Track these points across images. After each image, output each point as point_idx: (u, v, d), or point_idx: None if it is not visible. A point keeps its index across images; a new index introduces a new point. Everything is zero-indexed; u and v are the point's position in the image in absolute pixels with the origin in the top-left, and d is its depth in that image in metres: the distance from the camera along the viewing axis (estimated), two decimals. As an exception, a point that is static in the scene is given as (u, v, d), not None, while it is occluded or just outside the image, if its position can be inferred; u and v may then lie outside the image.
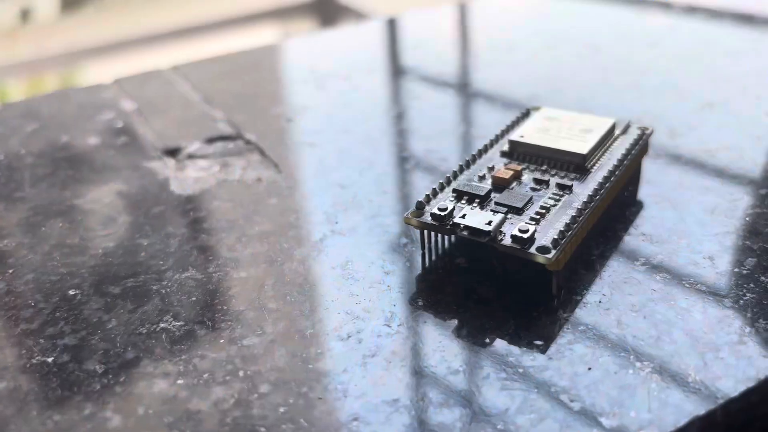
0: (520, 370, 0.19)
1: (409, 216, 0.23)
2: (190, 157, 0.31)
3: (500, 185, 0.24)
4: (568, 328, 0.21)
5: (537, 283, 0.22)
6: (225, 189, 0.29)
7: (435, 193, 0.24)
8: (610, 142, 0.26)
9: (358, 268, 0.24)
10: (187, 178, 0.30)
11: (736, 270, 0.22)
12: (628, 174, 0.26)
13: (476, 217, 0.22)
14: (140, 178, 0.30)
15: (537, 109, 0.28)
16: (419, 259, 0.24)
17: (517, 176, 0.24)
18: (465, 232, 0.22)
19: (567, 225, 0.22)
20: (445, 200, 0.23)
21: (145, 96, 0.38)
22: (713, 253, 0.23)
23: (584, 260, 0.23)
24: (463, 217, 0.22)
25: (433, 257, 0.24)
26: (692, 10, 0.45)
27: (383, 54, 0.44)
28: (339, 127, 0.34)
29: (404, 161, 0.30)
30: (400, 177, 0.29)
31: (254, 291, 0.23)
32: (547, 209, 0.23)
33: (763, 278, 0.22)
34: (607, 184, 0.24)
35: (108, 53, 1.50)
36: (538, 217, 0.22)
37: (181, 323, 0.22)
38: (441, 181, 0.24)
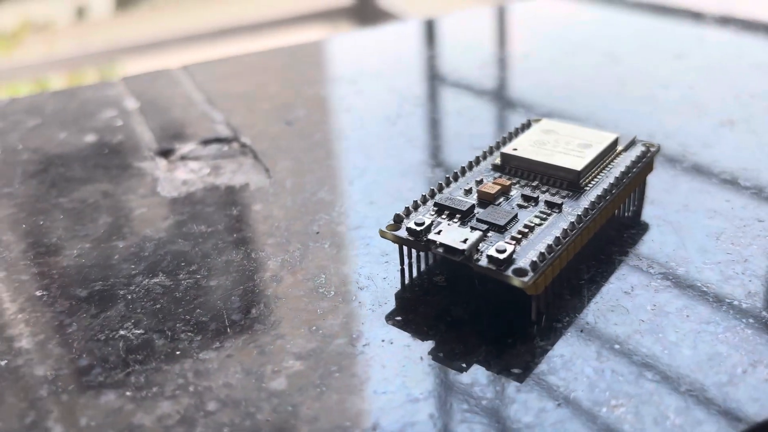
0: (484, 402, 0.18)
1: (385, 230, 0.22)
2: (183, 158, 0.31)
3: (486, 200, 0.23)
4: (542, 358, 0.19)
5: (517, 308, 0.21)
6: (211, 193, 0.28)
7: (416, 206, 0.23)
8: (610, 159, 0.24)
9: (332, 282, 0.22)
10: (176, 180, 0.29)
11: (735, 303, 0.21)
12: (628, 193, 0.24)
13: (452, 234, 0.20)
14: (128, 179, 0.29)
15: (538, 120, 0.27)
16: (398, 275, 0.23)
17: (505, 191, 0.23)
18: (440, 250, 0.20)
19: (549, 247, 0.20)
20: (425, 214, 0.22)
21: (148, 95, 0.37)
22: (712, 283, 0.21)
23: (571, 284, 0.22)
24: (439, 233, 0.21)
25: (414, 274, 0.23)
26: (725, 21, 0.43)
27: (395, 58, 0.43)
28: (337, 133, 0.33)
29: (401, 169, 0.29)
30: (394, 187, 0.28)
31: (220, 301, 0.22)
32: (531, 228, 0.21)
33: (765, 313, 0.20)
34: (600, 204, 0.22)
35: (158, 50, 1.52)
36: (519, 236, 0.21)
37: (140, 331, 0.21)
38: (424, 194, 0.23)
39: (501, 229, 0.21)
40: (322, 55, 0.44)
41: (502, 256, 0.20)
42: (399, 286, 0.22)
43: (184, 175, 0.29)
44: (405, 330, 0.20)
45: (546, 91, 0.36)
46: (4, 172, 0.30)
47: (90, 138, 0.33)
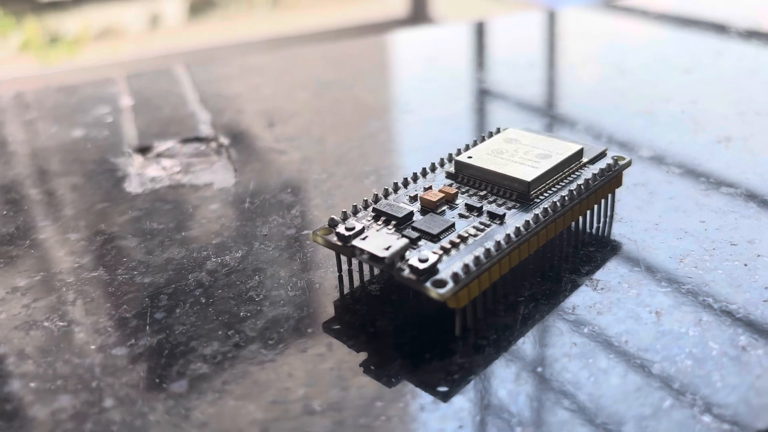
0: (383, 418, 0.17)
1: (317, 233, 0.21)
2: (158, 156, 0.31)
3: (428, 208, 0.22)
4: (456, 377, 0.18)
5: (446, 322, 0.19)
6: (173, 191, 0.28)
7: (356, 211, 0.22)
8: (570, 171, 0.23)
9: (265, 285, 0.22)
10: (145, 176, 0.29)
11: (682, 330, 0.19)
12: (588, 208, 0.23)
13: (376, 241, 0.20)
14: (100, 174, 0.29)
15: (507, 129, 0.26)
16: (337, 282, 0.22)
17: (449, 200, 0.22)
18: (364, 257, 0.20)
19: (477, 259, 0.19)
20: (362, 219, 0.21)
21: (144, 93, 0.38)
22: (663, 309, 0.20)
23: (509, 301, 0.20)
24: (364, 239, 0.20)
25: (356, 282, 0.22)
26: (749, 35, 0.40)
27: (398, 61, 0.42)
28: (316, 136, 0.32)
29: (365, 174, 0.28)
30: (357, 192, 0.27)
31: (149, 299, 0.21)
32: (465, 239, 0.20)
33: (712, 344, 0.18)
34: (548, 218, 0.21)
35: (225, 55, 1.56)
36: (449, 246, 0.20)
37: (64, 324, 0.21)
38: (366, 198, 0.22)
39: (434, 239, 0.20)
40: (326, 57, 0.44)
41: (422, 266, 0.19)
42: (331, 294, 0.21)
43: (154, 173, 0.29)
44: (323, 339, 0.19)
45: (541, 102, 0.35)
46: (-13, 162, 0.31)
47: (78, 133, 0.33)
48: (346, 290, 0.21)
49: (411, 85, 0.40)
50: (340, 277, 0.22)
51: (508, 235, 0.20)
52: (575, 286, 0.21)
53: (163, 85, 0.39)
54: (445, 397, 0.17)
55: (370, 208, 0.22)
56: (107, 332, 0.20)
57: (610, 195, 0.24)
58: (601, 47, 0.42)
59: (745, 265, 0.21)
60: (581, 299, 0.20)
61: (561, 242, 0.23)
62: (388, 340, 0.19)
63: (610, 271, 0.21)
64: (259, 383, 0.18)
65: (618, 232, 0.23)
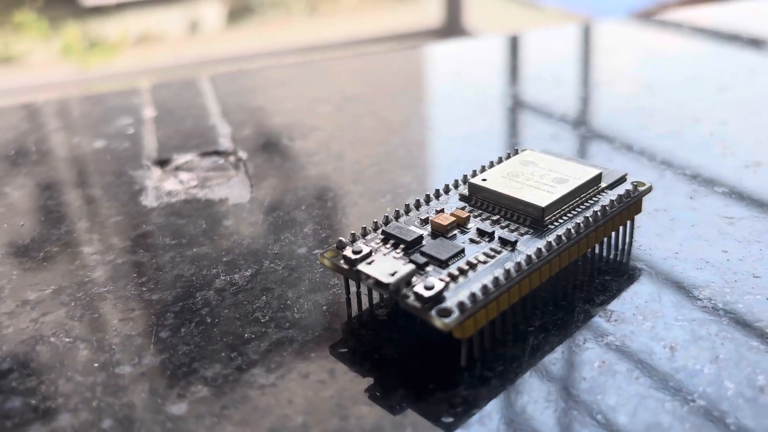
0: (380, 452, 0.16)
1: (324, 255, 0.21)
2: (176, 169, 0.31)
3: (438, 232, 0.21)
4: (459, 409, 0.17)
5: (453, 352, 0.19)
6: (188, 205, 0.28)
7: (365, 233, 0.21)
8: (588, 196, 0.22)
9: (272, 306, 0.21)
10: (161, 190, 0.29)
11: (697, 368, 0.18)
12: (605, 235, 0.22)
13: (383, 266, 0.19)
14: (117, 186, 0.29)
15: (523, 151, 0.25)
16: (344, 305, 0.22)
17: (461, 224, 0.21)
18: (370, 281, 0.19)
19: (485, 287, 0.18)
20: (371, 242, 0.21)
21: (168, 104, 0.38)
22: (678, 344, 0.19)
23: (518, 331, 0.20)
24: (370, 263, 0.19)
25: (364, 305, 0.21)
26: (785, 55, 0.39)
27: (416, 75, 0.41)
28: (335, 152, 0.32)
29: (381, 193, 0.28)
30: (373, 210, 0.27)
31: (155, 316, 0.21)
32: (474, 266, 0.20)
33: (728, 383, 0.18)
34: (561, 245, 0.20)
35: (260, 62, 1.57)
36: (458, 273, 0.19)
37: (69, 339, 0.21)
38: (376, 220, 0.22)
39: (442, 264, 0.20)
40: (353, 72, 0.44)
41: (428, 294, 0.18)
42: (338, 317, 0.21)
43: (171, 186, 0.29)
44: (326, 365, 0.19)
45: (564, 121, 0.34)
46: (9, 172, 0.31)
47: (99, 144, 0.34)
48: (353, 313, 0.21)
49: (436, 101, 0.39)
50: (348, 300, 0.22)
51: (518, 263, 0.19)
52: (588, 316, 0.20)
53: (187, 97, 0.39)
54: (448, 430, 0.17)
55: (380, 231, 0.21)
56: (112, 350, 0.20)
57: (629, 222, 0.23)
58: (632, 63, 0.41)
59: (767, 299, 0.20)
60: (593, 331, 0.20)
61: (576, 270, 0.22)
62: (392, 368, 0.19)
63: (626, 302, 0.21)
64: (258, 409, 0.18)
65: (636, 260, 0.23)
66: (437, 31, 1.60)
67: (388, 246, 0.21)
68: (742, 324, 0.20)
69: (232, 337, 0.20)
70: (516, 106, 0.37)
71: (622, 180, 0.23)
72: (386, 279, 0.19)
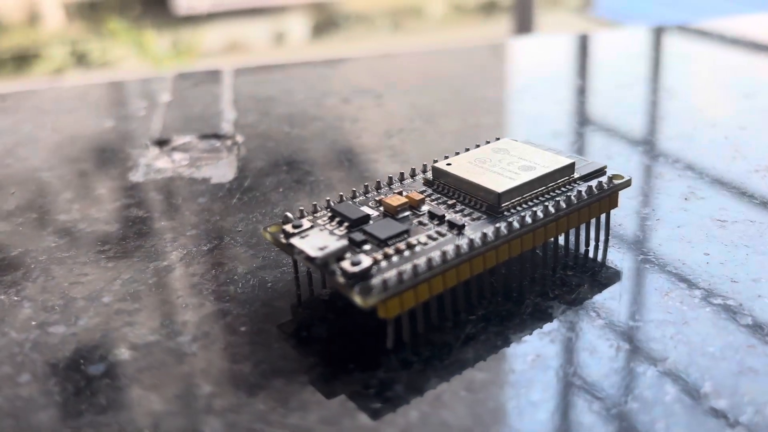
0: (277, 427, 0.16)
1: (266, 229, 0.20)
2: (173, 149, 0.31)
3: (389, 213, 0.20)
4: (371, 392, 0.16)
5: (385, 334, 0.18)
6: (172, 182, 0.28)
7: (315, 210, 0.21)
8: (555, 186, 0.21)
9: (218, 280, 0.21)
10: (153, 167, 0.29)
11: (639, 370, 0.17)
12: (569, 228, 0.21)
13: (315, 241, 0.18)
14: (112, 162, 0.30)
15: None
16: (292, 283, 0.21)
17: (414, 206, 0.20)
18: (302, 255, 0.19)
19: (414, 268, 0.17)
20: (318, 219, 0.20)
21: (184, 92, 0.38)
22: (626, 345, 0.17)
23: (459, 319, 0.19)
24: (303, 238, 0.19)
25: (316, 286, 0.21)
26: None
27: (431, 73, 0.41)
28: (329, 140, 0.31)
29: (364, 180, 0.27)
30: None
31: (104, 282, 0.21)
32: (413, 247, 0.19)
33: (669, 387, 0.16)
34: (510, 233, 0.19)
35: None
36: (393, 252, 0.18)
37: (17, 298, 0.21)
38: (328, 198, 0.21)
39: (381, 243, 0.19)
40: (376, 70, 0.43)
41: (353, 269, 0.17)
42: (280, 295, 0.20)
43: (162, 164, 0.29)
44: (251, 339, 0.19)
45: (575, 123, 0.32)
46: (23, 146, 0.32)
47: (108, 124, 0.34)
48: (298, 292, 0.20)
49: (441, 97, 0.38)
50: (297, 279, 0.21)
51: (457, 247, 0.18)
52: (537, 310, 0.19)
53: (205, 85, 0.39)
54: (352, 412, 0.16)
55: (328, 208, 0.21)
56: (54, 310, 0.20)
57: (604, 216, 0.22)
58: (657, 68, 0.39)
59: (741, 305, 0.19)
60: (537, 325, 0.18)
61: (537, 262, 0.21)
62: (317, 346, 0.18)
63: (581, 299, 0.19)
64: (171, 376, 0.17)
65: (610, 257, 0.21)
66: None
67: (333, 224, 0.20)
68: (703, 329, 0.18)
69: (169, 306, 0.20)
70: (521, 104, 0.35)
71: (600, 172, 0.22)
72: (314, 253, 0.18)
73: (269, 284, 0.21)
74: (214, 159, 0.30)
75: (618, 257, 0.21)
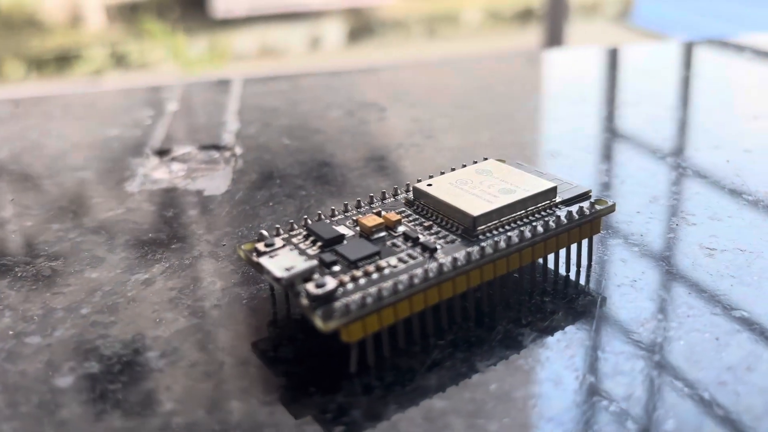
0: (231, 449, 0.16)
1: (241, 247, 0.20)
2: (172, 159, 0.31)
3: (364, 233, 0.20)
4: (327, 416, 0.16)
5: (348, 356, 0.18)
6: (167, 193, 0.28)
7: (291, 228, 0.21)
8: (535, 210, 0.21)
9: (194, 295, 0.21)
10: (150, 178, 0.30)
11: (603, 404, 0.16)
12: (546, 253, 0.20)
13: (283, 261, 0.18)
14: (111, 171, 0.30)
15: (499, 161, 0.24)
16: (267, 301, 0.21)
17: (390, 226, 0.20)
18: (269, 275, 0.19)
19: (379, 292, 0.17)
20: (293, 238, 0.20)
21: (192, 100, 0.39)
22: (593, 376, 0.17)
23: (426, 344, 0.18)
24: (272, 257, 0.19)
25: (292, 305, 0.21)
26: None
27: (436, 87, 0.40)
28: (327, 153, 0.31)
29: (354, 197, 0.27)
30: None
31: (85, 293, 0.22)
32: (381, 269, 0.18)
33: (630, 424, 0.16)
34: (483, 258, 0.19)
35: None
36: (361, 275, 0.18)
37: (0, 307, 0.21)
38: (306, 217, 0.21)
39: (351, 265, 0.19)
40: (383, 83, 0.43)
41: (317, 292, 0.17)
42: (253, 313, 0.20)
43: (159, 175, 0.30)
44: (218, 357, 0.19)
45: (567, 138, 0.32)
46: (27, 152, 0.33)
47: (113, 132, 0.35)
48: (273, 310, 0.20)
49: (442, 112, 0.38)
50: (272, 296, 0.21)
51: (425, 271, 0.18)
52: (507, 337, 0.19)
53: (213, 94, 0.40)
54: (305, 436, 0.16)
55: (303, 227, 0.21)
56: (32, 320, 0.20)
57: (587, 242, 0.21)
58: (666, 84, 0.38)
59: (717, 339, 0.18)
60: (506, 352, 0.18)
61: (512, 286, 0.20)
62: (282, 367, 0.18)
63: (554, 326, 0.19)
64: (135, 392, 0.17)
65: (587, 284, 0.21)
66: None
67: (307, 243, 0.20)
68: (675, 363, 0.17)
69: (143, 321, 0.20)
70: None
71: (584, 197, 0.22)
72: (280, 273, 0.18)
73: (245, 301, 0.21)
74: (211, 170, 0.30)
75: (599, 283, 0.21)
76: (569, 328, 0.19)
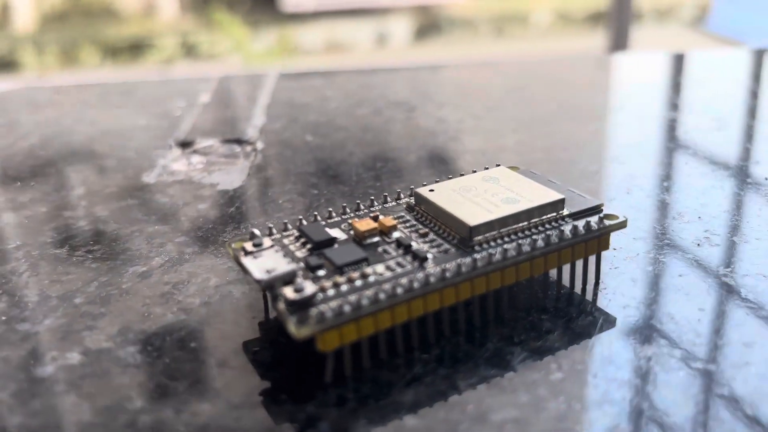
0: (191, 453, 0.15)
1: (231, 245, 0.20)
2: (194, 152, 0.31)
3: (357, 237, 0.20)
4: (296, 425, 0.16)
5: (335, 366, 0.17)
6: (182, 185, 0.28)
7: (284, 228, 0.20)
8: (540, 222, 0.20)
9: (187, 291, 0.21)
10: (168, 169, 0.30)
11: (577, 429, 0.15)
12: (547, 269, 0.19)
13: (266, 262, 0.18)
14: (131, 161, 0.31)
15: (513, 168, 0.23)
16: (260, 299, 0.21)
17: (385, 232, 0.20)
18: (250, 276, 0.18)
19: (358, 301, 0.17)
20: (284, 239, 0.20)
21: (223, 93, 0.39)
22: (578, 404, 0.16)
23: (410, 357, 0.18)
24: (255, 258, 0.18)
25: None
26: None
27: (466, 89, 0.39)
28: (347, 150, 0.31)
29: (364, 198, 0.26)
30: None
31: (78, 283, 0.22)
32: (367, 276, 0.18)
33: (613, 459, 0.14)
34: (474, 270, 0.18)
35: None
36: (344, 281, 0.18)
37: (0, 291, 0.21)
38: (300, 217, 0.20)
39: (336, 270, 0.18)
40: (416, 82, 0.42)
41: (293, 297, 0.17)
42: (242, 312, 0.20)
43: (179, 167, 0.30)
44: (197, 357, 0.18)
45: (589, 150, 0.31)
46: (56, 139, 0.34)
47: (141, 121, 0.35)
48: (261, 311, 0.20)
49: (469, 113, 0.37)
50: (265, 296, 0.21)
51: (410, 281, 0.17)
52: (496, 355, 0.18)
53: (246, 88, 0.40)
54: (268, 446, 0.15)
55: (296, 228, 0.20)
56: (26, 307, 0.21)
57: (593, 258, 0.20)
58: (714, 95, 0.36)
59: (722, 371, 0.17)
60: (491, 371, 0.17)
61: (509, 302, 0.19)
62: (260, 371, 0.18)
63: (548, 347, 0.18)
64: (109, 386, 0.17)
65: (590, 304, 0.20)
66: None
67: (297, 244, 0.19)
68: (671, 395, 0.16)
69: (132, 314, 0.20)
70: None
71: (595, 210, 0.20)
72: (260, 275, 0.17)
73: (236, 300, 0.21)
74: (229, 164, 0.30)
75: (604, 303, 0.20)
76: (563, 350, 0.18)
